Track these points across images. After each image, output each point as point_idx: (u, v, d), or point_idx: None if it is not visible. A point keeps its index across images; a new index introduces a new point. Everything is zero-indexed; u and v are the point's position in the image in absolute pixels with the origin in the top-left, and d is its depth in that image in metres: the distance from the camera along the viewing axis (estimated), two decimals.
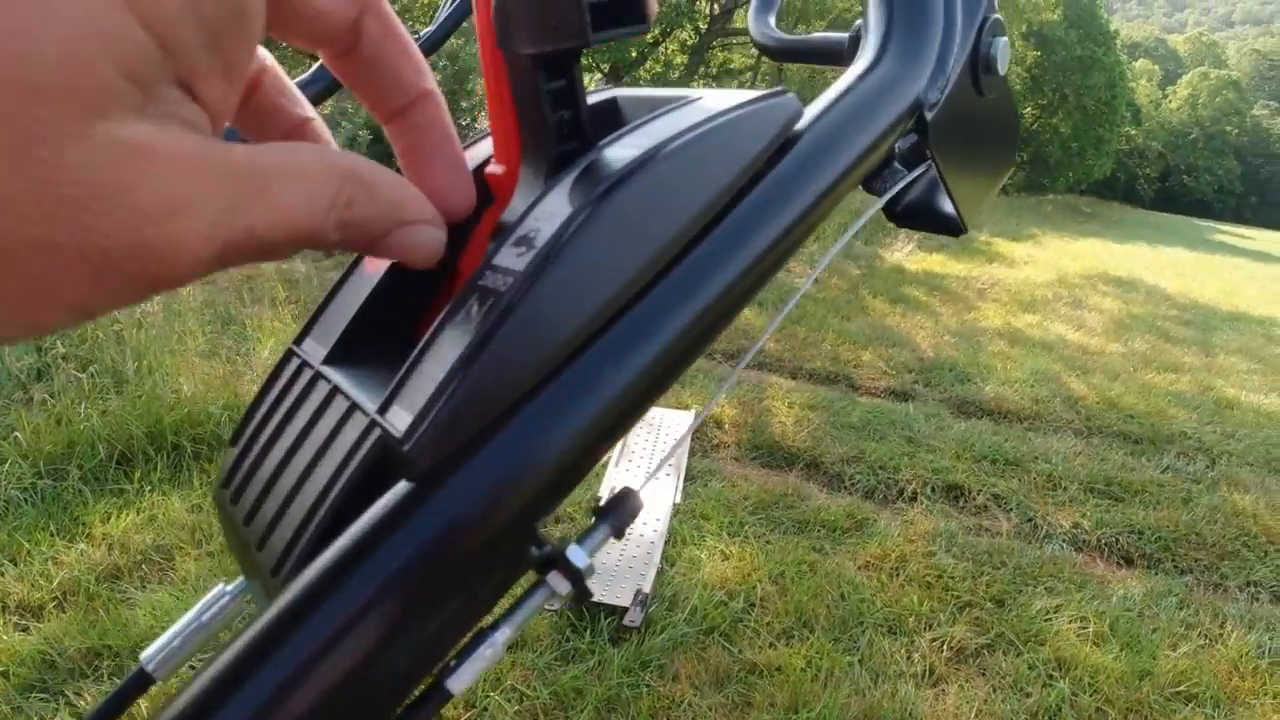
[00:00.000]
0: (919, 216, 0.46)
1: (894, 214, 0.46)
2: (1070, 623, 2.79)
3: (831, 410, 4.47)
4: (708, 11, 15.74)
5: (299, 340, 0.34)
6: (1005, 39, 0.40)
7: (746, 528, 3.18)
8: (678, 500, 3.32)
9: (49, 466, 3.29)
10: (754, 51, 17.65)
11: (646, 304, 0.27)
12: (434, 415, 0.24)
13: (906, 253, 9.97)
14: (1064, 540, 3.39)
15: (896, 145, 0.38)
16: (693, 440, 3.92)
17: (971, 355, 5.80)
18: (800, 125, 0.32)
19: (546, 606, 0.27)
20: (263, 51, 0.27)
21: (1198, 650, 2.73)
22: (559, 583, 0.26)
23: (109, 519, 3.06)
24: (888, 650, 2.59)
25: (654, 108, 0.32)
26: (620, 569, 2.79)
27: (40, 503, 3.15)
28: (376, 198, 0.24)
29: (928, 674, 2.53)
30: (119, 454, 3.43)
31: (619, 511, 0.29)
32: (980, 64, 0.39)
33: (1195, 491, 3.88)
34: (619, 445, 3.66)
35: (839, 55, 0.55)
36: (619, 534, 0.28)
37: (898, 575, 2.99)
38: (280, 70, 0.28)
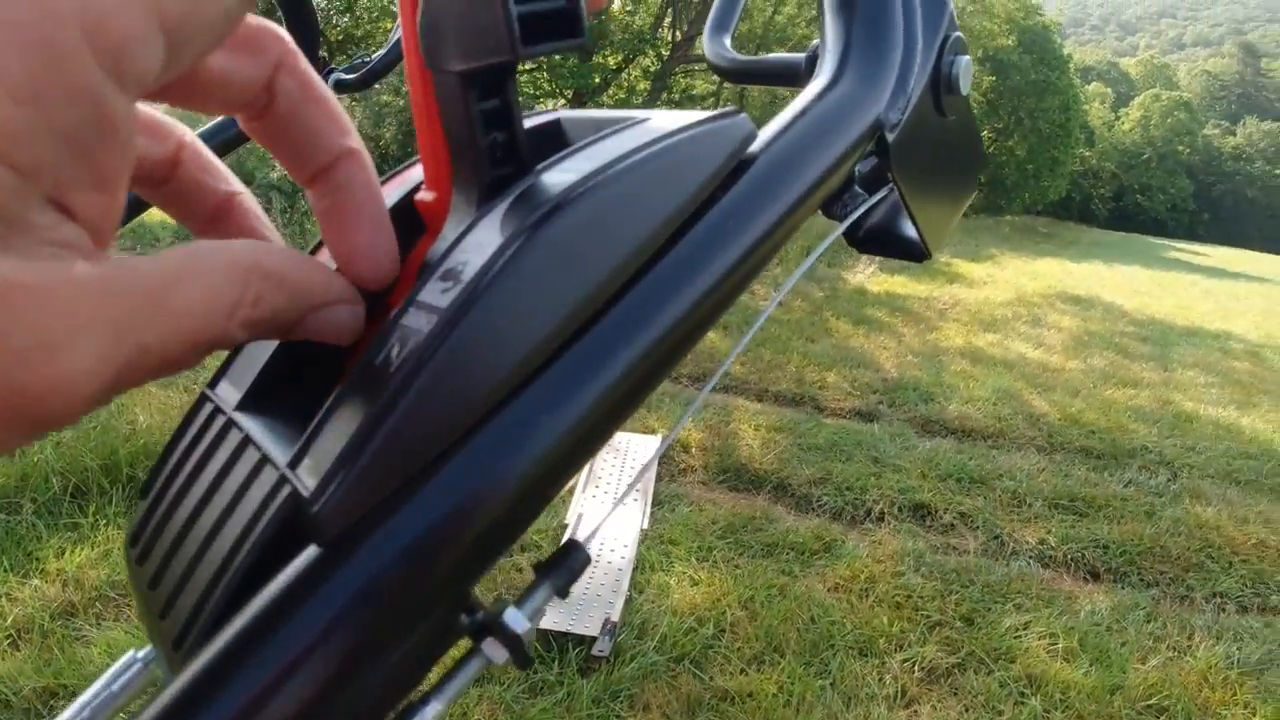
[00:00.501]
0: (881, 242, 0.44)
1: (856, 239, 0.44)
2: (1040, 639, 2.79)
3: (798, 432, 4.47)
4: (670, 38, 15.89)
5: (213, 383, 0.31)
6: (967, 58, 0.39)
7: (715, 552, 3.16)
8: (645, 526, 3.29)
9: (1, 500, 3.20)
10: (715, 78, 17.85)
11: (589, 341, 0.24)
12: (345, 473, 0.22)
13: (869, 274, 10.06)
14: (1031, 557, 3.40)
15: (856, 168, 0.37)
16: (660, 464, 3.89)
17: (934, 375, 5.84)
18: (755, 147, 0.30)
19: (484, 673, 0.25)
20: (180, 126, 0.25)
21: (1167, 663, 2.74)
22: (495, 650, 0.24)
23: (63, 554, 2.97)
24: (859, 673, 2.57)
25: (599, 129, 0.30)
26: (588, 598, 2.75)
27: None
28: (285, 288, 0.22)
29: (900, 695, 2.51)
30: (73, 487, 3.34)
31: (562, 568, 0.26)
32: (942, 83, 0.38)
33: (1158, 505, 3.92)
34: (585, 470, 3.63)
35: (795, 76, 0.53)
36: (563, 593, 0.26)
37: (867, 596, 2.97)
38: (200, 145, 0.26)
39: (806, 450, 4.24)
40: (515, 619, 0.24)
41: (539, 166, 0.28)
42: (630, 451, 3.97)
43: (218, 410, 0.30)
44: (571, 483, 3.55)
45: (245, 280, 0.21)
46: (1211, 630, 2.95)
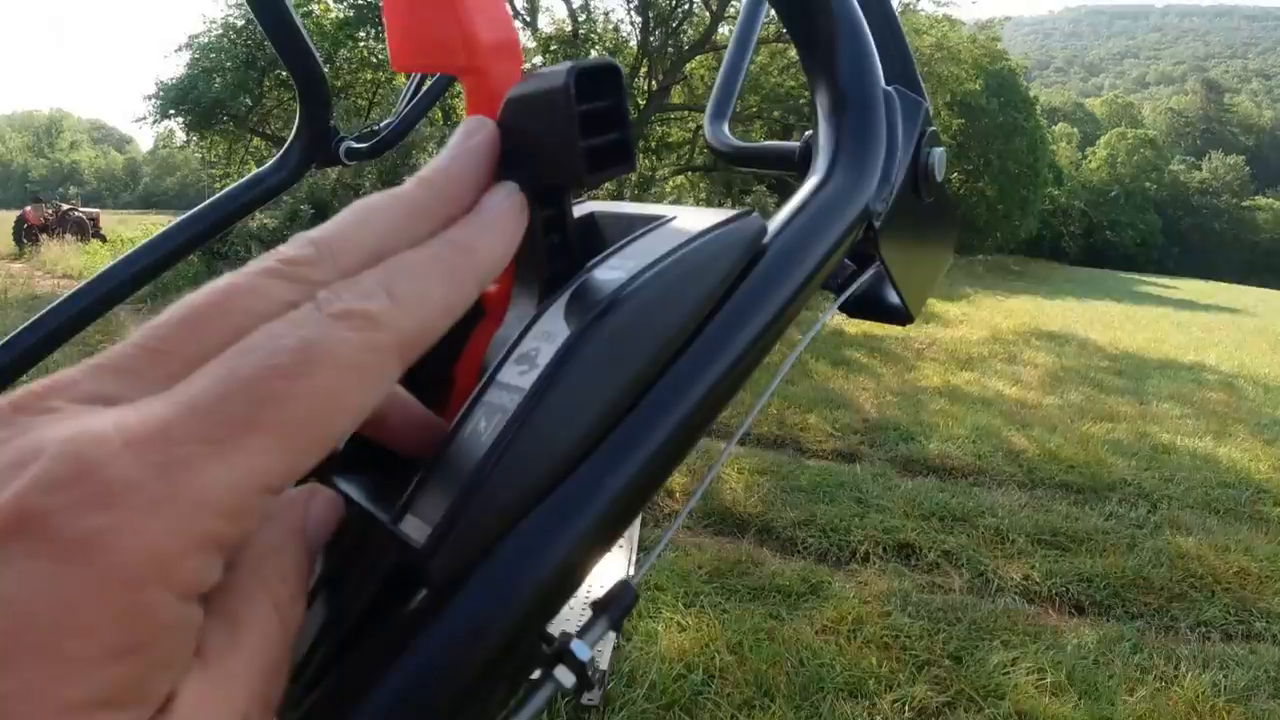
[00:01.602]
0: (868, 308, 0.49)
1: (845, 306, 0.48)
2: (1028, 675, 2.79)
3: (780, 474, 4.49)
4: (646, 88, 16.15)
5: None
6: (941, 149, 0.43)
7: (702, 597, 3.15)
8: (631, 572, 3.27)
9: None
10: (690, 125, 18.13)
11: (638, 414, 0.28)
12: (456, 526, 0.25)
13: (846, 316, 10.15)
14: (1016, 593, 3.42)
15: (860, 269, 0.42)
16: (644, 510, 3.88)
17: (914, 414, 5.89)
18: (764, 240, 0.34)
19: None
20: None
21: (1155, 693, 2.75)
22: (565, 676, 0.27)
23: None
24: (850, 714, 2.56)
25: (631, 226, 0.34)
26: None
27: None
28: None
29: None
30: None
31: (616, 605, 0.30)
32: (920, 173, 0.42)
33: (1139, 537, 3.95)
34: None
35: (790, 162, 0.59)
36: (618, 627, 0.29)
37: (855, 637, 2.97)
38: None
39: (790, 492, 4.25)
40: (580, 649, 0.27)
41: (589, 264, 0.32)
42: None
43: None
44: None
45: None
46: (1197, 659, 2.97)
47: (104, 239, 18.88)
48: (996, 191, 26.53)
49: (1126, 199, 51.69)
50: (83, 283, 0.72)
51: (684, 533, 3.81)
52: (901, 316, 0.48)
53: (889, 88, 0.41)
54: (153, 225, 20.42)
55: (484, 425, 0.27)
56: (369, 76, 16.18)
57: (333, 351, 0.20)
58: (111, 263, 0.74)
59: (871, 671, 2.77)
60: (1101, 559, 3.68)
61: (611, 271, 0.31)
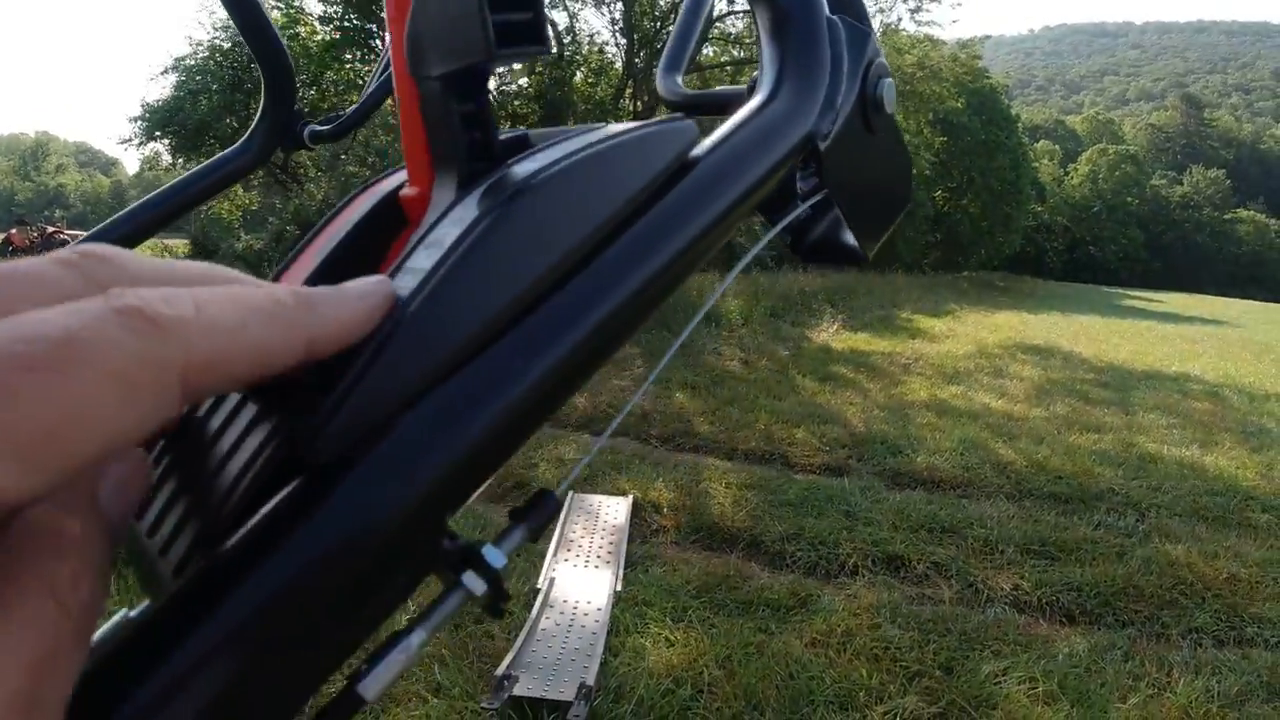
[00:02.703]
0: (823, 250, 0.48)
1: (801, 250, 0.47)
2: (1019, 684, 2.77)
3: (768, 489, 4.47)
4: (631, 109, 16.24)
5: None
6: (891, 80, 0.42)
7: (690, 612, 3.12)
8: (619, 588, 3.25)
9: None
10: None
11: (552, 304, 0.27)
12: (348, 399, 0.23)
13: (833, 332, 10.19)
14: (1006, 603, 3.40)
15: (799, 183, 0.41)
16: (631, 526, 3.86)
17: (901, 428, 5.88)
18: (698, 152, 0.33)
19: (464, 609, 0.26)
20: None
21: (1147, 700, 2.73)
22: (474, 583, 0.25)
23: None
24: None
25: (550, 136, 0.33)
26: (562, 662, 2.70)
27: None
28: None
29: None
30: None
31: (536, 513, 0.28)
32: (869, 103, 0.41)
33: (1128, 545, 3.94)
34: (556, 534, 3.59)
35: (740, 103, 0.57)
36: (535, 536, 0.28)
37: (845, 650, 2.95)
38: None
39: (778, 507, 4.23)
40: (493, 554, 0.25)
41: (509, 161, 0.31)
42: (602, 513, 3.95)
43: None
44: (544, 545, 3.51)
45: None
46: (1189, 666, 2.95)
47: None
48: (980, 208, 26.75)
49: (1109, 214, 52.12)
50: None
51: (671, 547, 3.79)
52: (856, 256, 0.47)
53: (833, 16, 0.41)
54: (139, 249, 20.31)
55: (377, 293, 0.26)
56: (354, 98, 16.20)
57: (99, 352, 0.17)
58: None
59: (862, 683, 2.74)
60: (1091, 568, 3.67)
61: (530, 164, 0.30)
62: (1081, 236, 50.06)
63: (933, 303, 15.72)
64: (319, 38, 15.50)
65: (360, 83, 16.33)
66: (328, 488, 0.22)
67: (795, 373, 7.62)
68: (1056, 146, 63.79)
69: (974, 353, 9.67)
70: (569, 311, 0.27)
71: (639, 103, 16.34)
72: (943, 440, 5.57)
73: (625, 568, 3.46)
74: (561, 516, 3.87)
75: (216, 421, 0.28)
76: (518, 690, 2.51)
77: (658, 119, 0.33)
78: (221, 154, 0.76)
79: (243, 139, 0.76)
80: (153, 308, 0.18)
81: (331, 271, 0.34)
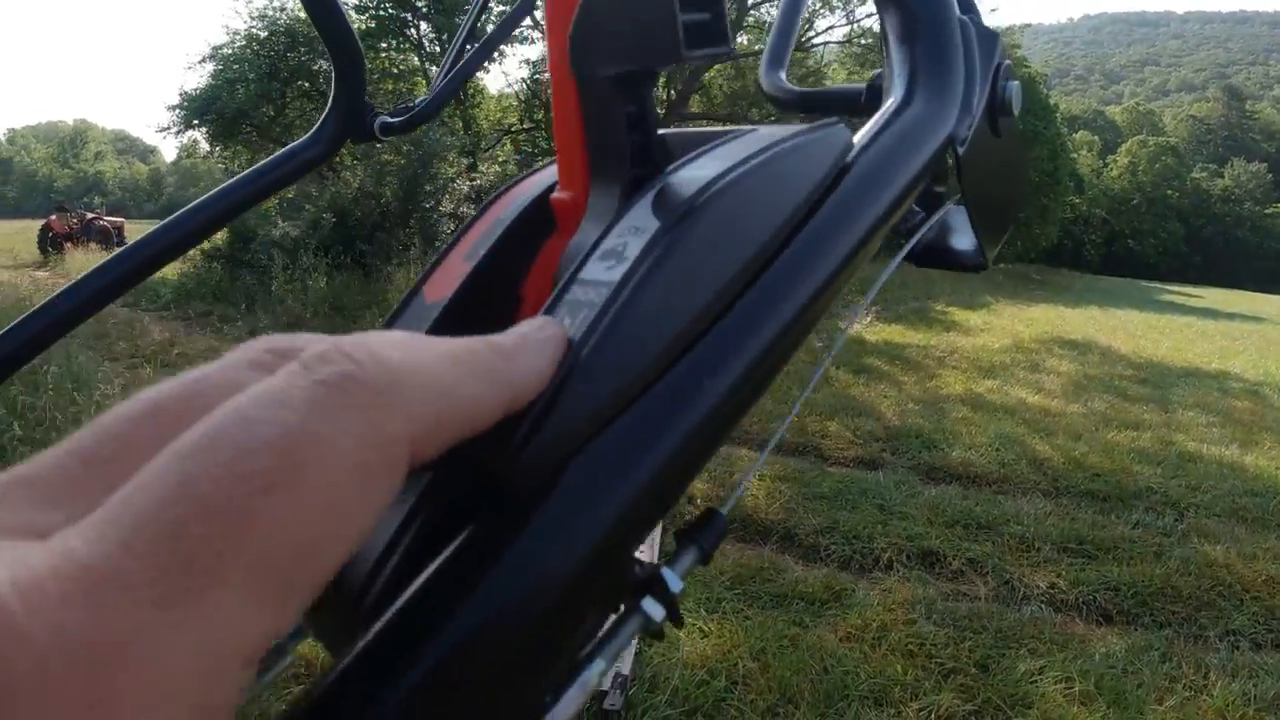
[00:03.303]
0: (938, 257, 0.47)
1: (914, 256, 0.46)
2: (1055, 684, 2.76)
3: (802, 481, 4.47)
4: (665, 97, 16.20)
5: None
6: (1017, 82, 0.42)
7: (724, 604, 3.14)
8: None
9: None
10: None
11: (729, 321, 0.26)
12: (546, 422, 0.22)
13: (866, 324, 10.11)
14: (1042, 601, 3.38)
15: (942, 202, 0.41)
16: (665, 519, 3.87)
17: (936, 422, 5.85)
18: (852, 153, 0.32)
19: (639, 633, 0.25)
20: None
21: (1184, 703, 2.71)
22: (653, 608, 0.24)
23: None
24: None
25: (705, 141, 0.32)
26: None
27: None
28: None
29: None
30: None
31: (707, 533, 0.27)
32: (998, 106, 0.41)
33: (1166, 545, 3.91)
34: None
35: (855, 104, 0.57)
36: (707, 558, 0.27)
37: (880, 645, 2.95)
38: None
39: (812, 500, 4.23)
40: (672, 579, 0.25)
41: (669, 168, 0.30)
42: None
43: None
44: None
45: None
46: (1226, 668, 2.92)
47: None
48: None
49: (1148, 207, 51.27)
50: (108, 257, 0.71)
51: None
52: (977, 263, 0.46)
53: (964, 17, 0.39)
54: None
55: (569, 321, 0.25)
56: (390, 87, 16.31)
57: (328, 445, 0.15)
58: (135, 240, 0.72)
59: (896, 679, 2.74)
60: (1128, 567, 3.64)
61: (699, 170, 0.29)
62: (1120, 229, 49.27)
63: (968, 295, 15.55)
64: (355, 27, 15.56)
65: (395, 71, 16.43)
66: (530, 510, 0.22)
67: (829, 364, 7.57)
68: (1095, 137, 62.74)
69: (1010, 346, 9.57)
70: (746, 327, 0.26)
71: (672, 91, 16.31)
72: (978, 435, 5.54)
73: (659, 558, 3.47)
74: None
75: None
76: None
77: (811, 124, 0.32)
78: (291, 145, 0.76)
79: (313, 130, 0.76)
80: (367, 373, 0.16)
81: (486, 277, 0.34)
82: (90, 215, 21.19)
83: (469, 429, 0.19)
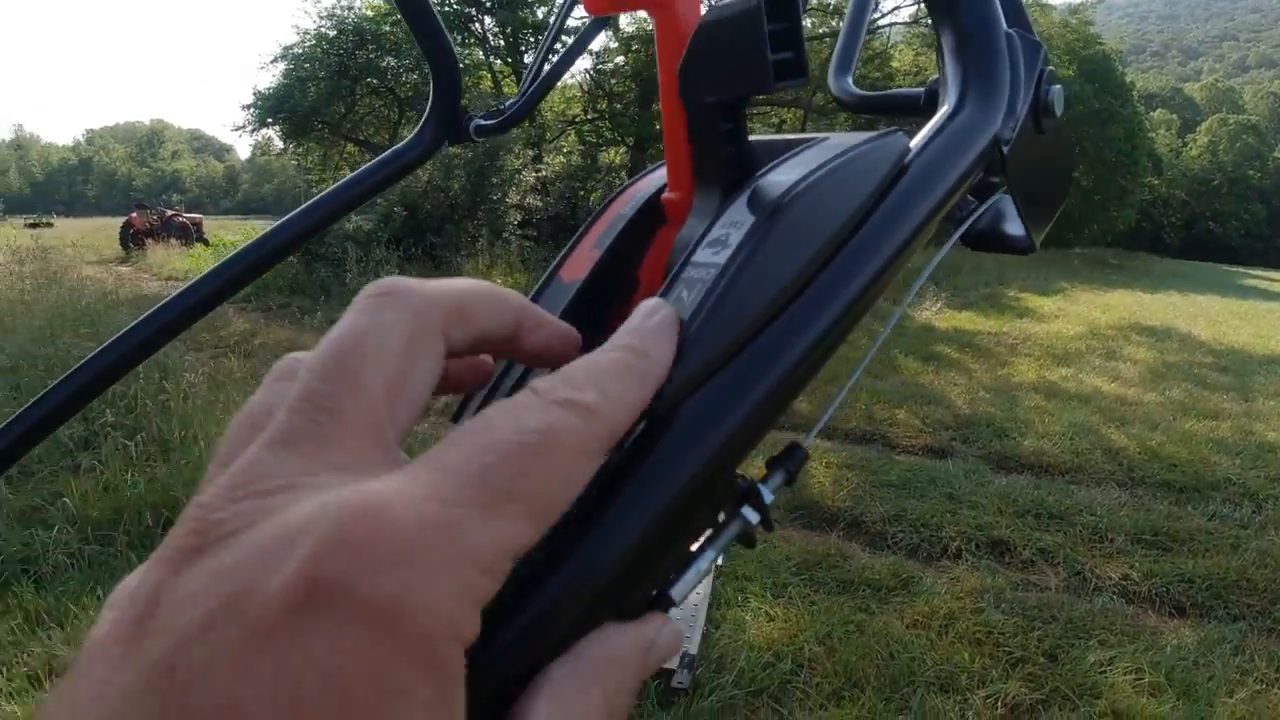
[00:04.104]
0: (991, 240, 0.54)
1: (969, 240, 0.53)
2: (1125, 674, 2.75)
3: (870, 469, 4.47)
4: None
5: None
6: (1059, 86, 0.48)
7: (790, 589, 3.18)
8: (721, 562, 3.31)
9: (96, 532, 3.42)
10: (773, 121, 18.06)
11: (807, 295, 0.33)
12: (676, 367, 0.30)
13: (935, 310, 10.00)
14: (1114, 592, 3.35)
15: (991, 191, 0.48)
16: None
17: (1008, 410, 5.78)
18: (909, 157, 0.39)
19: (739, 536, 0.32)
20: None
21: (1255, 695, 2.67)
22: (751, 515, 0.31)
23: None
24: (941, 709, 2.56)
25: (788, 148, 0.40)
26: None
27: (88, 567, 3.26)
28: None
29: None
30: (165, 520, 3.52)
31: (790, 460, 0.34)
32: (1041, 108, 0.47)
33: (1243, 537, 3.83)
34: None
35: (915, 106, 0.64)
36: (791, 480, 0.34)
37: (947, 633, 2.96)
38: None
39: (879, 488, 4.23)
40: (764, 491, 0.32)
41: (759, 173, 0.38)
42: None
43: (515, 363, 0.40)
44: None
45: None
46: None
47: (207, 243, 19.69)
48: (1093, 181, 25.65)
49: (1229, 188, 49.29)
50: (225, 257, 0.79)
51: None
52: (1025, 246, 0.53)
53: (1010, 31, 0.46)
54: (252, 230, 21.19)
55: (686, 295, 0.32)
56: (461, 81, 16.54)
57: (567, 436, 0.22)
58: (252, 241, 0.80)
59: (964, 667, 2.75)
60: (1204, 559, 3.58)
61: (784, 175, 0.36)
62: (1201, 211, 47.49)
63: (1042, 280, 15.24)
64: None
65: (462, 65, 16.66)
66: (662, 434, 0.29)
67: (897, 352, 7.53)
68: (1174, 116, 60.48)
69: (1085, 333, 9.38)
70: (820, 300, 0.33)
71: None
72: (1051, 424, 5.46)
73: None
74: None
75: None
76: None
77: (878, 132, 0.39)
78: (395, 148, 0.83)
79: (414, 133, 0.83)
80: (583, 399, 0.24)
81: (611, 262, 0.43)
82: (170, 212, 21.89)
83: (633, 421, 0.26)
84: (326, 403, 0.22)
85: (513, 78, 15.91)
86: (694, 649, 2.67)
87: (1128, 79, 28.69)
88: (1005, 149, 0.44)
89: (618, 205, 0.47)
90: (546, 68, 0.87)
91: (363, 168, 0.83)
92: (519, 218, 12.43)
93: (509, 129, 0.85)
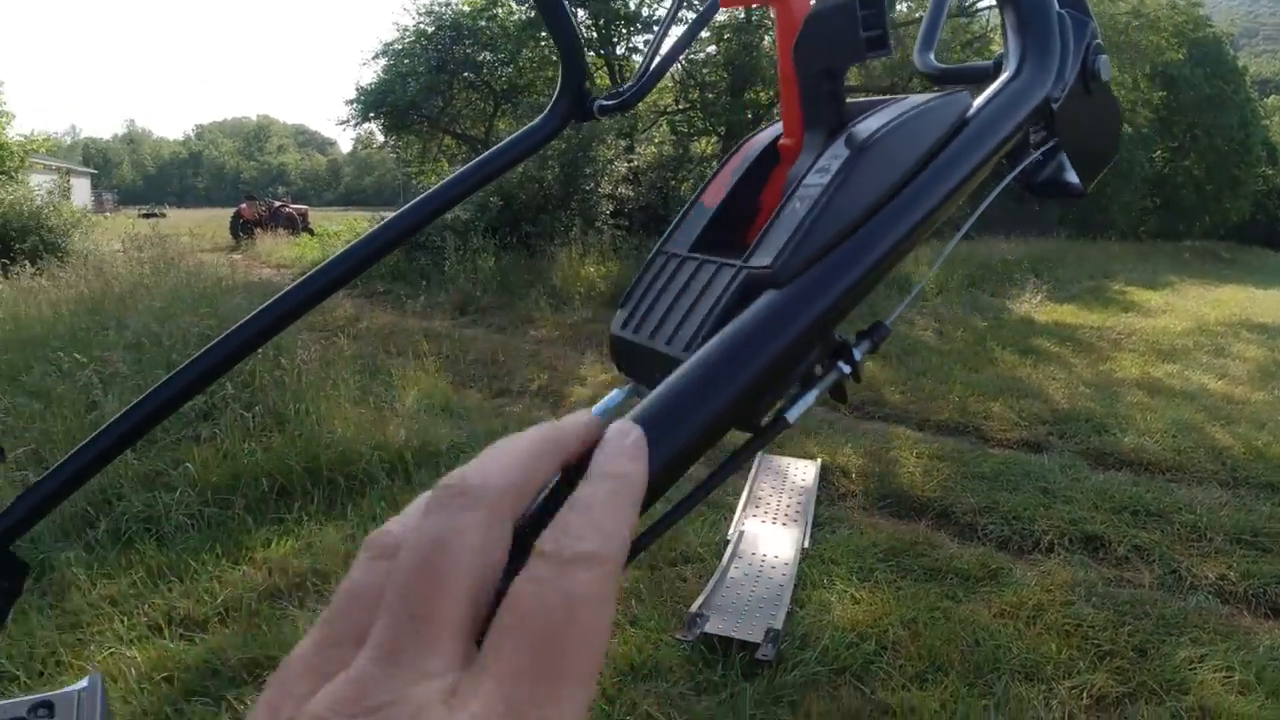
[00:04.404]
0: (1050, 187, 0.65)
1: (1032, 188, 0.65)
2: (1214, 672, 2.71)
3: (961, 461, 4.45)
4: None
5: (660, 247, 0.59)
6: (1105, 56, 0.60)
7: (876, 573, 3.22)
8: (806, 545, 3.38)
9: (215, 496, 3.71)
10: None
11: (890, 208, 0.45)
12: (792, 251, 0.43)
13: (1036, 303, 9.78)
14: (1209, 591, 3.28)
15: (1032, 137, 0.59)
16: (819, 489, 3.98)
17: (1108, 406, 5.66)
18: (970, 112, 0.50)
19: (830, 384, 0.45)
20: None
21: None
22: (844, 367, 0.43)
23: (269, 544, 3.42)
24: (1025, 696, 2.57)
25: (873, 106, 0.54)
26: (750, 607, 2.87)
27: (206, 528, 3.54)
28: None
29: None
30: (279, 487, 3.83)
31: (876, 333, 0.46)
32: (1089, 74, 0.58)
33: None
34: (745, 492, 3.77)
35: (985, 76, 0.78)
36: (875, 349, 0.46)
37: (1035, 623, 2.96)
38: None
39: (970, 479, 4.22)
40: (857, 352, 0.44)
41: (852, 122, 0.52)
42: (790, 474, 4.09)
43: (673, 255, 0.56)
44: (737, 504, 3.69)
45: None
46: None
47: (312, 233, 20.41)
48: (1204, 170, 24.51)
49: None
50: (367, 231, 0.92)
51: (859, 512, 3.87)
52: (1077, 190, 0.64)
53: (1062, 11, 0.58)
54: (354, 220, 21.92)
55: (798, 206, 0.46)
56: (550, 74, 16.80)
57: (586, 594, 0.25)
58: (393, 214, 0.93)
59: (1050, 657, 2.76)
60: None
61: (872, 122, 0.50)
62: None
63: (1149, 273, 14.71)
64: (515, 17, 16.08)
65: (555, 58, 16.88)
66: (784, 301, 0.41)
67: (993, 344, 7.42)
68: None
69: (1193, 329, 9.05)
70: (896, 215, 0.45)
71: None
72: (1153, 421, 5.33)
73: (813, 527, 3.58)
74: (750, 475, 4.06)
75: (685, 274, 0.52)
76: (709, 628, 2.70)
77: (947, 91, 0.51)
78: (526, 127, 0.93)
79: (544, 113, 0.93)
80: (587, 549, 0.26)
81: (741, 190, 0.59)
82: (277, 203, 22.76)
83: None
84: (421, 610, 0.25)
85: (605, 69, 15.99)
86: (779, 625, 2.74)
87: (1240, 63, 27.27)
88: (1055, 106, 0.55)
89: (745, 150, 0.63)
90: (664, 51, 0.97)
91: (496, 146, 0.94)
92: (611, 207, 12.55)
93: (629, 108, 0.95)
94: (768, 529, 3.53)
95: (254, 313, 0.90)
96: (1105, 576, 3.36)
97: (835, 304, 0.43)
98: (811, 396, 0.43)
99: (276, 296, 0.89)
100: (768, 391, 0.40)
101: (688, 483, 0.39)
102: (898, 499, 4.00)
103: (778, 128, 0.62)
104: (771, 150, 0.61)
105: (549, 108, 0.92)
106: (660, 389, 0.36)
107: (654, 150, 15.50)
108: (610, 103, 0.92)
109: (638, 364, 0.53)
